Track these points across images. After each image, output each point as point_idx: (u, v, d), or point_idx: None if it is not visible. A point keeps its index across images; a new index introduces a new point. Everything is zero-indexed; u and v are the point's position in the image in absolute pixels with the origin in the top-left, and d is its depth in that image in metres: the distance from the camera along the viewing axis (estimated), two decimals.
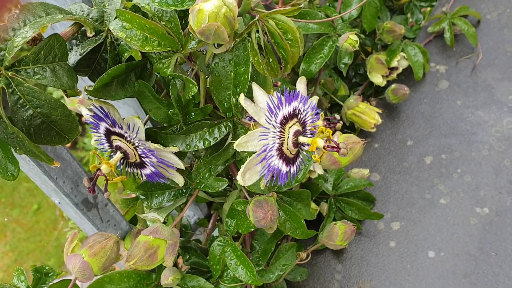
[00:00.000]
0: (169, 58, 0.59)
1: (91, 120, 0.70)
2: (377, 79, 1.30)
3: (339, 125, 0.90)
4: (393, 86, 1.30)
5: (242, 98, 0.61)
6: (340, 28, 1.08)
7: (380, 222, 1.16)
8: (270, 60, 0.55)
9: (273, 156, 0.62)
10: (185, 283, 0.85)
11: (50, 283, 0.69)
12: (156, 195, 0.80)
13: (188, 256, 0.94)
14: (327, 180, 1.16)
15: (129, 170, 0.74)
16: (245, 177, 0.65)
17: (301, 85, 0.95)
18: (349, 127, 1.41)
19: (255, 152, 0.62)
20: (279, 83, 0.94)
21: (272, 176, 0.64)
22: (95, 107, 0.68)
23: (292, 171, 0.66)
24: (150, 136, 0.71)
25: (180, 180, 0.74)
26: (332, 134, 0.93)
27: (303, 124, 0.66)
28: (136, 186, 0.82)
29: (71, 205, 0.71)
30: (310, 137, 0.64)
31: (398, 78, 1.32)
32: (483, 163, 1.20)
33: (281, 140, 0.62)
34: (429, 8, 1.53)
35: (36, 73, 0.49)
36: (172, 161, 0.70)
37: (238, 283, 0.84)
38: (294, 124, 0.64)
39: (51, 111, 0.50)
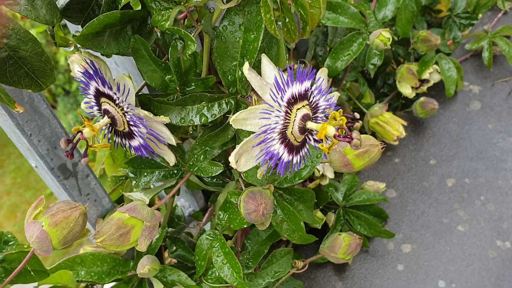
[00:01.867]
0: (170, 10, 0.51)
1: (81, 78, 0.63)
2: (406, 90, 1.20)
3: (358, 124, 0.82)
4: (421, 99, 1.21)
5: (246, 67, 0.53)
6: (372, 26, 0.99)
7: (390, 242, 1.06)
8: (287, 20, 0.47)
9: (274, 139, 0.54)
10: (165, 276, 0.77)
11: (7, 252, 0.62)
12: (145, 174, 0.73)
13: (174, 248, 0.86)
14: (338, 189, 1.07)
15: (117, 140, 0.67)
16: (241, 160, 0.57)
17: (322, 76, 0.87)
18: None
19: (254, 132, 0.54)
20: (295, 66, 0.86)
21: (273, 165, 0.55)
22: (87, 62, 0.60)
23: (295, 160, 0.57)
24: (143, 103, 0.63)
25: (171, 158, 0.67)
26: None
27: (315, 109, 0.58)
28: (125, 162, 0.74)
29: (46, 170, 0.64)
30: (320, 123, 0.56)
31: (428, 92, 1.23)
32: (510, 193, 1.09)
33: (285, 122, 0.54)
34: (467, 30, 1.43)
35: None
36: (163, 134, 0.62)
37: (222, 284, 0.75)
38: (303, 106, 0.56)
39: (20, 44, 0.42)
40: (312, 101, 0.57)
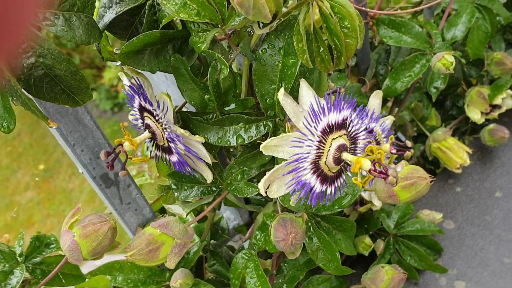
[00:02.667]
0: (207, 32, 0.51)
1: (127, 91, 0.65)
2: (475, 115, 1.12)
3: (409, 153, 0.77)
4: (491, 126, 1.12)
5: (281, 93, 0.51)
6: (438, 47, 0.93)
7: (443, 277, 1.00)
8: (321, 49, 0.45)
9: (305, 169, 0.52)
10: None
11: (46, 255, 0.64)
12: (185, 188, 0.73)
13: (212, 262, 0.86)
14: (390, 216, 1.02)
15: (158, 154, 0.68)
16: (272, 186, 0.55)
17: (375, 100, 0.83)
18: (432, 162, 1.25)
19: (286, 160, 0.52)
20: (342, 91, 0.82)
21: (304, 195, 0.53)
22: (133, 77, 0.62)
23: (329, 191, 0.55)
24: (184, 120, 0.64)
25: (208, 176, 0.66)
26: (396, 161, 0.80)
27: (353, 139, 0.55)
28: (167, 174, 0.75)
29: (89, 178, 0.66)
30: (357, 155, 0.53)
31: (499, 118, 1.14)
32: None
33: (318, 152, 0.52)
34: None
35: (46, 19, 0.43)
36: (199, 152, 0.62)
37: None
38: (340, 136, 0.53)
39: (54, 63, 0.44)
40: (350, 130, 0.55)
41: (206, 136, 0.61)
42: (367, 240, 1.00)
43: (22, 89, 0.44)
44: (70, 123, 0.59)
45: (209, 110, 0.62)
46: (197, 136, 0.59)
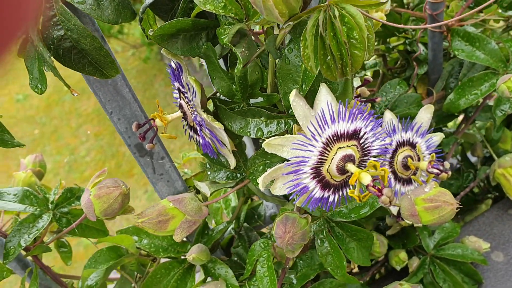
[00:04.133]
0: (232, 25, 0.52)
1: (169, 70, 0.68)
2: None
3: (444, 175, 0.73)
4: None
5: (293, 94, 0.52)
6: None
7: None
8: (328, 57, 0.45)
9: (305, 172, 0.52)
10: (214, 267, 0.80)
11: (74, 206, 0.71)
12: (215, 169, 0.76)
13: (237, 244, 0.89)
14: (431, 235, 0.98)
15: (190, 133, 0.71)
16: (276, 184, 0.56)
17: (425, 114, 0.80)
18: (496, 188, 1.16)
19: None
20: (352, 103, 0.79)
21: (300, 195, 0.54)
22: (172, 60, 0.65)
23: (331, 198, 0.55)
24: (215, 106, 0.66)
25: (232, 161, 0.69)
26: (426, 182, 0.76)
27: (364, 151, 0.54)
28: (202, 153, 0.79)
29: (126, 144, 0.71)
30: (363, 168, 0.52)
31: None
32: None
33: (321, 159, 0.52)
34: None
35: None
36: (221, 137, 0.64)
37: None
38: (348, 146, 0.53)
39: (80, 38, 0.48)
40: (362, 142, 0.54)
41: (230, 124, 0.64)
42: (402, 254, 0.97)
43: (51, 57, 0.49)
44: (108, 93, 0.64)
45: (236, 100, 0.63)
46: (217, 122, 0.61)
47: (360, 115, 0.53)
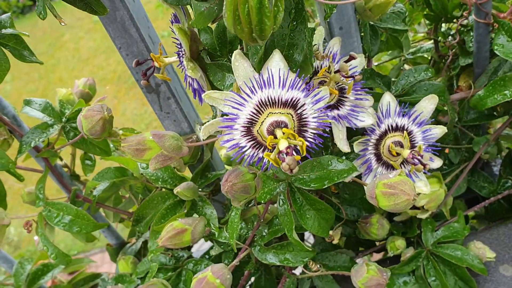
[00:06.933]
0: None
1: (171, 20, 0.75)
2: None
3: (420, 167, 0.70)
4: None
5: (235, 54, 0.55)
6: None
7: None
8: (240, 21, 0.47)
9: (236, 129, 0.56)
10: (203, 206, 0.88)
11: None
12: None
13: None
14: (433, 231, 0.95)
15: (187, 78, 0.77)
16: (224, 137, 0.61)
17: (427, 104, 0.78)
18: None
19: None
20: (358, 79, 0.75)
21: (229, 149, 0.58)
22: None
23: (260, 155, 0.58)
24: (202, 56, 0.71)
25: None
26: (410, 172, 0.74)
27: (302, 122, 0.57)
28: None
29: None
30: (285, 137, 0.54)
31: None
32: None
33: (251, 119, 0.55)
34: None
35: None
36: (202, 84, 0.70)
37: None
38: (281, 113, 0.55)
39: None
40: (299, 112, 0.56)
41: (211, 75, 0.69)
42: (398, 242, 0.96)
43: None
44: (117, 29, 0.72)
45: (219, 54, 0.68)
46: (191, 71, 0.67)
47: (300, 86, 0.55)
